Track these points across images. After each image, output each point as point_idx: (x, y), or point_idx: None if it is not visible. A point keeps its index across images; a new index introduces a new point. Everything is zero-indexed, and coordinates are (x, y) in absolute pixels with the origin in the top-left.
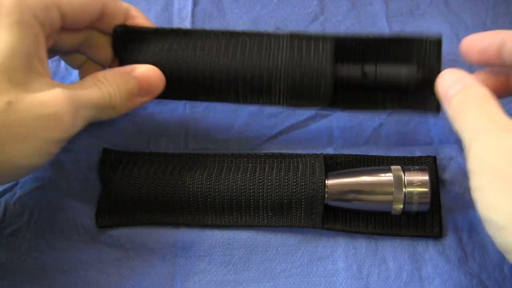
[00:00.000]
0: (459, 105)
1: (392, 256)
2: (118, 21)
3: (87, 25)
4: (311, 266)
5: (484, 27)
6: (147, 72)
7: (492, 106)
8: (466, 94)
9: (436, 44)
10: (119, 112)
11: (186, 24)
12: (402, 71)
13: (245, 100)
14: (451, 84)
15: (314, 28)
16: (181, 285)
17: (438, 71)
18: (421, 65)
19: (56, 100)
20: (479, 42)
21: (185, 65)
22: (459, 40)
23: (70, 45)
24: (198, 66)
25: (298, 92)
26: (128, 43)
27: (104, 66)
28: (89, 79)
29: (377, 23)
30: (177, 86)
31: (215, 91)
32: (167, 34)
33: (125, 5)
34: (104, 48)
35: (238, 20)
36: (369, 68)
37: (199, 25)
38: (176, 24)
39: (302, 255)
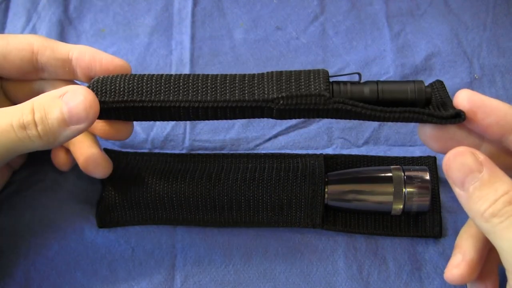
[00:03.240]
0: (490, 210)
1: (392, 256)
2: (61, 69)
3: (25, 75)
4: (311, 266)
5: (484, 27)
6: (74, 96)
7: None
8: (497, 198)
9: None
10: (48, 143)
11: (186, 24)
12: (409, 88)
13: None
14: (466, 172)
15: (314, 28)
16: (180, 285)
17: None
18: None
19: None
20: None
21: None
22: (459, 40)
23: (23, 94)
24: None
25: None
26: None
27: None
28: (17, 106)
29: (377, 24)
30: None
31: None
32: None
33: (66, 50)
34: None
35: (238, 20)
36: (370, 87)
37: (199, 25)
38: (176, 24)
39: (302, 256)
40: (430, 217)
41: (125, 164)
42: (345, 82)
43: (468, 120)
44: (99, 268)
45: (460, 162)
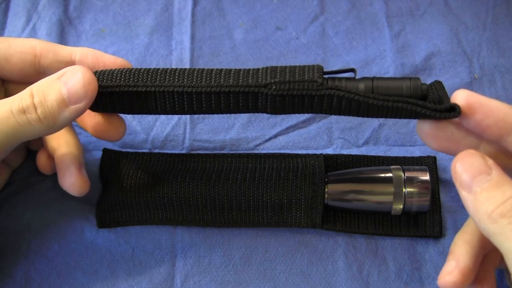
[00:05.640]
0: (497, 212)
1: (392, 256)
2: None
3: (27, 78)
4: (311, 266)
5: (484, 27)
6: (72, 75)
7: None
8: (505, 200)
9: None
10: (48, 127)
11: (186, 24)
12: (404, 84)
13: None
14: (474, 174)
15: (314, 28)
16: (180, 285)
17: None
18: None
19: None
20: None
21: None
22: (459, 40)
23: None
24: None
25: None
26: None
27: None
28: (10, 97)
29: (377, 24)
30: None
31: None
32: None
33: (69, 53)
34: None
35: (238, 20)
36: (365, 83)
37: (199, 25)
38: (176, 24)
39: (302, 255)
40: (430, 217)
41: (125, 164)
42: (340, 78)
43: (466, 121)
44: (99, 268)
45: (468, 164)
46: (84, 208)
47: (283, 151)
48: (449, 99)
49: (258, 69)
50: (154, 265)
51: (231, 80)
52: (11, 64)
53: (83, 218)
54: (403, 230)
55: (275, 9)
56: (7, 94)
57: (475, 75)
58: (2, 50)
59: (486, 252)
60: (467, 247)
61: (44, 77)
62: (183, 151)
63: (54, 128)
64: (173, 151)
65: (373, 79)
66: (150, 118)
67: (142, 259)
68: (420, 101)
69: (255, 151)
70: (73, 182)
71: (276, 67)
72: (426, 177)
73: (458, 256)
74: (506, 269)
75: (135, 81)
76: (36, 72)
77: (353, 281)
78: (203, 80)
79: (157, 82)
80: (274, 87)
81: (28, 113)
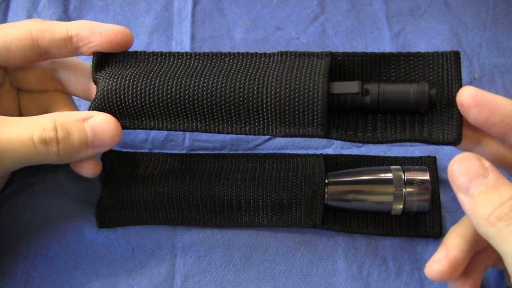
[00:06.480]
0: (495, 215)
1: (392, 256)
2: (64, 48)
3: (31, 62)
4: (311, 266)
5: (484, 27)
6: (103, 122)
7: None
8: (502, 203)
9: (453, 58)
10: (63, 159)
11: (186, 24)
12: (411, 89)
13: (229, 128)
14: (471, 177)
15: (314, 28)
16: (180, 285)
17: (458, 90)
18: (438, 84)
19: None
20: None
21: (162, 87)
22: (459, 40)
23: (34, 79)
24: (176, 89)
25: (289, 115)
26: (106, 67)
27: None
28: (34, 119)
29: (377, 24)
30: (152, 111)
31: (196, 116)
32: (148, 57)
33: (65, 29)
34: (77, 79)
35: (238, 20)
36: (371, 86)
37: (199, 25)
38: (176, 24)
39: (302, 255)
40: (430, 217)
41: (125, 164)
42: (346, 95)
43: (473, 119)
44: (99, 268)
45: (465, 167)
46: (84, 208)
47: (283, 151)
48: (458, 88)
49: (261, 102)
50: (154, 265)
51: (236, 127)
52: (12, 53)
53: (83, 218)
54: (403, 230)
55: (275, 9)
56: (12, 82)
57: (475, 75)
58: None
59: (479, 249)
60: (460, 239)
61: (48, 55)
62: (183, 151)
63: (67, 161)
64: (173, 151)
65: (379, 83)
66: None
67: (142, 259)
68: (420, 137)
69: (255, 151)
70: (89, 163)
71: (280, 100)
72: (426, 177)
73: (449, 247)
74: (505, 270)
75: (151, 123)
76: (37, 54)
77: (353, 281)
78: (213, 125)
79: (170, 120)
80: (280, 134)
81: (49, 145)
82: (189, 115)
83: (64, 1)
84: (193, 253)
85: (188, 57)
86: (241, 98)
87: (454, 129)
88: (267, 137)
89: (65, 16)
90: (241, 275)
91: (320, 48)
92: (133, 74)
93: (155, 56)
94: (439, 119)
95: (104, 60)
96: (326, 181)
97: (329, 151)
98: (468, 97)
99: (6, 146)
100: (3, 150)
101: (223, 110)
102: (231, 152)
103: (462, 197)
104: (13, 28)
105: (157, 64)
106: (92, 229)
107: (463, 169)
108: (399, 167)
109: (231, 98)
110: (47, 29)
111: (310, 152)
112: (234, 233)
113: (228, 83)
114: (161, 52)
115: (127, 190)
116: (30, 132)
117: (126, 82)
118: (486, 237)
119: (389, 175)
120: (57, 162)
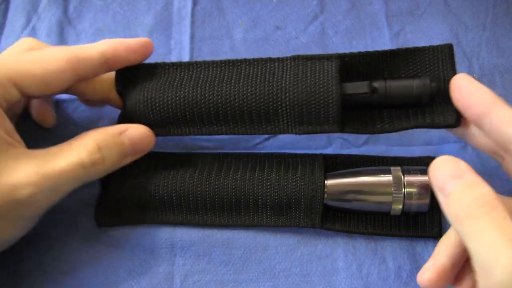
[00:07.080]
0: (465, 212)
1: (392, 256)
2: (99, 72)
3: (62, 91)
4: (311, 265)
5: (484, 27)
6: (139, 133)
7: (505, 218)
8: (473, 200)
9: (447, 50)
10: (108, 172)
11: (186, 24)
12: (414, 83)
13: (252, 129)
14: (447, 178)
15: (314, 28)
16: (180, 285)
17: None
18: (435, 76)
19: (29, 184)
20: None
21: (188, 97)
22: (458, 40)
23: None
24: (201, 97)
25: (306, 116)
26: (129, 79)
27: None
28: (74, 144)
29: (377, 23)
30: (179, 119)
31: (220, 121)
32: (168, 68)
33: (98, 53)
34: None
35: (237, 20)
36: (378, 84)
37: (198, 25)
38: (176, 23)
39: (301, 255)
40: (430, 217)
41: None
42: (356, 95)
43: (454, 100)
44: (99, 268)
45: (443, 168)
46: (84, 208)
47: (282, 151)
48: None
49: (277, 106)
50: (153, 265)
51: (258, 128)
52: (52, 86)
53: (83, 218)
54: (402, 230)
55: (275, 8)
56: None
57: (474, 75)
58: (39, 76)
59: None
60: (447, 247)
61: (80, 79)
62: (183, 150)
63: (107, 173)
64: (173, 151)
65: (385, 80)
66: None
67: (142, 259)
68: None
69: (255, 151)
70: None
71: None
72: (426, 177)
73: (436, 255)
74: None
75: (177, 130)
76: (74, 81)
77: (352, 280)
78: (237, 128)
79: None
80: (299, 132)
81: (97, 166)
82: (214, 121)
83: (63, 1)
84: (192, 253)
85: (206, 66)
86: (262, 103)
87: (453, 113)
88: (267, 136)
89: (65, 16)
90: (240, 274)
91: (320, 48)
92: (158, 86)
93: (175, 67)
94: (438, 107)
95: (126, 71)
96: (326, 181)
97: (329, 151)
98: (453, 81)
99: (62, 177)
100: (63, 181)
101: (245, 114)
102: (231, 151)
103: (440, 198)
104: (52, 62)
105: (178, 75)
106: (92, 228)
107: (441, 171)
108: (398, 167)
109: (253, 104)
110: (83, 58)
111: (310, 152)
112: (234, 232)
113: (249, 90)
114: (180, 62)
115: (127, 190)
116: (77, 158)
117: (153, 94)
118: (460, 236)
119: (388, 176)
120: (101, 177)
